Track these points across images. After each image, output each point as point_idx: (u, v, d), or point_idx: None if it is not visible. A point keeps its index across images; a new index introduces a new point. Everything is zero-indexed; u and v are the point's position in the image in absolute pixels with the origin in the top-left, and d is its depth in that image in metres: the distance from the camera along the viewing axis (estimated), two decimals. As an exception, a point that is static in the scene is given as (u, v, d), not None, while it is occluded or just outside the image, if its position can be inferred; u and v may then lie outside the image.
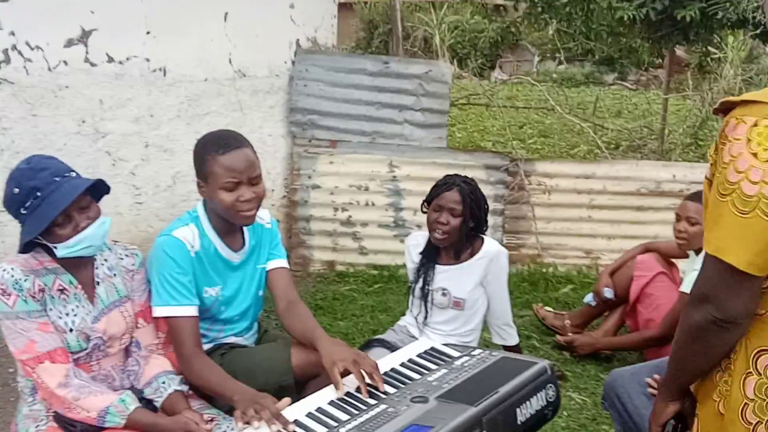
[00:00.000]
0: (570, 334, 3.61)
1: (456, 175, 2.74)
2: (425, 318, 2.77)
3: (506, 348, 2.92)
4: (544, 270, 4.66)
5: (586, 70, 13.13)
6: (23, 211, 1.80)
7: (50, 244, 1.83)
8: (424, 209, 2.75)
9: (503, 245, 4.62)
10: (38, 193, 1.78)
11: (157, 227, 2.29)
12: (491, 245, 2.74)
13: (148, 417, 1.86)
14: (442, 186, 2.69)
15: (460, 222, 2.63)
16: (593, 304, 3.63)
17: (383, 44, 12.56)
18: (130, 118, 3.89)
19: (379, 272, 4.60)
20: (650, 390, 2.07)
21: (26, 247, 1.86)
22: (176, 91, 4.07)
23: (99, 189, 1.90)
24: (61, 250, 1.82)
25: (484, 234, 2.77)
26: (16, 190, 1.80)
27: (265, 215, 2.29)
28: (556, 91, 9.31)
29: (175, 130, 4.09)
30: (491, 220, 4.57)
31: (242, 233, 2.21)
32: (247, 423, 1.76)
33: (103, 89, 3.75)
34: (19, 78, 3.40)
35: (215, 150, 2.02)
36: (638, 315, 3.42)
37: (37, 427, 1.88)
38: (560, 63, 13.97)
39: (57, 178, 1.81)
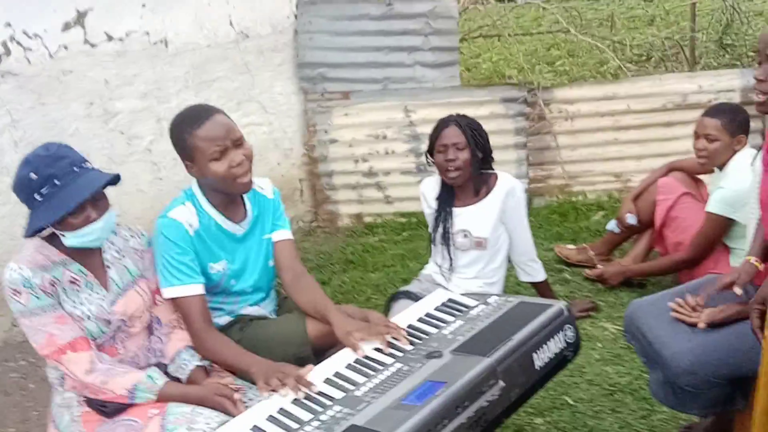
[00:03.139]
0: (598, 265, 3.55)
1: (449, 114, 2.73)
2: (450, 264, 2.75)
3: (534, 284, 2.90)
4: (574, 199, 4.57)
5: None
6: (37, 197, 1.79)
7: (59, 232, 1.83)
8: (430, 161, 2.73)
9: (529, 178, 4.57)
10: (56, 182, 1.78)
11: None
12: (506, 179, 2.71)
13: (177, 389, 1.91)
14: (438, 128, 2.69)
15: (470, 155, 2.62)
16: (617, 231, 3.56)
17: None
18: (137, 95, 3.87)
19: (407, 219, 4.58)
20: (674, 314, 2.03)
21: (33, 233, 1.86)
22: (180, 61, 4.03)
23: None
24: (71, 239, 1.83)
25: (492, 168, 2.74)
26: (33, 176, 1.78)
27: (266, 185, 2.28)
28: (583, 6, 8.90)
29: (185, 100, 4.04)
30: (515, 154, 4.55)
31: (243, 204, 2.19)
32: (273, 392, 1.77)
33: (107, 69, 3.72)
34: (22, 69, 3.40)
35: (190, 126, 2.00)
36: (666, 239, 3.33)
37: (71, 414, 1.93)
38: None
39: (75, 168, 1.81)
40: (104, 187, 1.86)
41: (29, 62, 3.43)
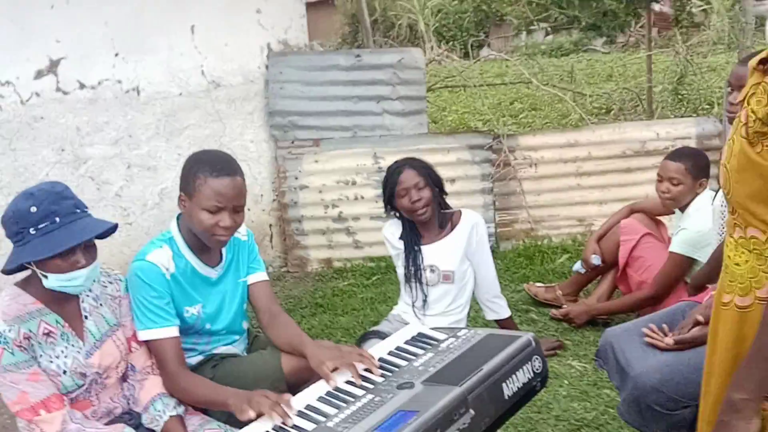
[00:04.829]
0: (564, 305, 3.62)
1: (395, 161, 2.80)
2: (424, 300, 2.79)
3: (499, 322, 2.95)
4: (539, 243, 4.67)
5: (574, 37, 13.05)
6: (32, 231, 1.76)
7: (41, 272, 1.79)
8: (391, 212, 2.79)
9: (495, 223, 4.67)
10: (56, 219, 1.76)
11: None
12: (469, 215, 2.82)
13: None
14: (393, 175, 2.73)
15: (430, 192, 2.70)
16: (582, 271, 3.65)
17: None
18: (108, 141, 3.91)
19: (376, 264, 4.62)
20: (647, 339, 2.11)
21: (17, 267, 1.83)
22: (152, 109, 4.08)
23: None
24: (53, 281, 1.80)
25: (449, 206, 2.84)
26: (34, 209, 1.76)
27: (240, 228, 2.30)
28: (544, 62, 9.26)
29: (156, 147, 4.11)
30: (481, 199, 4.65)
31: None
32: (250, 419, 1.77)
33: (79, 116, 3.77)
34: (-6, 114, 3.43)
35: (209, 171, 2.02)
36: (629, 279, 3.43)
37: None
38: (547, 34, 13.94)
39: (78, 211, 1.82)
40: (102, 235, 1.86)
41: (0, 108, 3.46)
